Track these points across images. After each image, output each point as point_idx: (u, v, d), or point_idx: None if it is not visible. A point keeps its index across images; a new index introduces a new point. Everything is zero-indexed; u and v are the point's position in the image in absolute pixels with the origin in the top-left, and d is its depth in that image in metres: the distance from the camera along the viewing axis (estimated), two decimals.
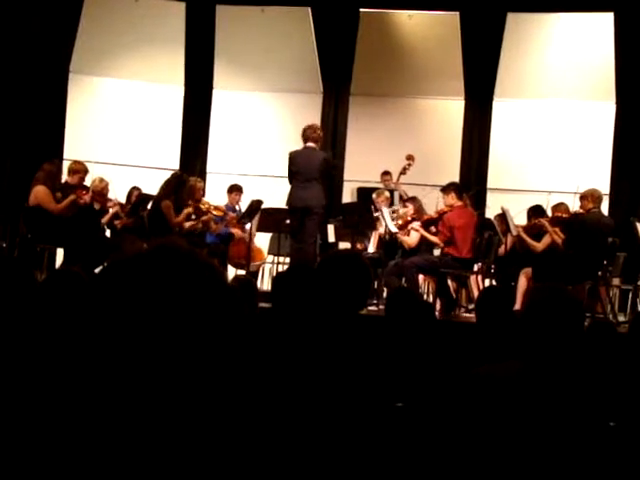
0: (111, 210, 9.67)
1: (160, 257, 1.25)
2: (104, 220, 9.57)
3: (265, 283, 10.70)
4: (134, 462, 1.20)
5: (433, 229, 9.32)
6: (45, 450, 1.25)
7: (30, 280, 3.29)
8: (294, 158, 8.87)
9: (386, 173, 10.80)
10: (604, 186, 10.76)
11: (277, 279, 3.85)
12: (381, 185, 10.73)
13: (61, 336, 2.95)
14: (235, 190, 10.54)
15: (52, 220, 8.76)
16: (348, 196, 11.56)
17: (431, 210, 9.81)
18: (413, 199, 9.96)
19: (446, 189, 9.24)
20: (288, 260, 9.81)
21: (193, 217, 9.54)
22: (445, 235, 9.00)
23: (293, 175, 8.86)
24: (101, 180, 9.65)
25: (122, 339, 1.21)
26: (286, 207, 9.03)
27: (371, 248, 10.14)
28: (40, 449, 1.25)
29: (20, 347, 2.82)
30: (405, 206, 9.89)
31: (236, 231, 10.19)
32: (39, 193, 8.76)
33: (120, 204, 9.84)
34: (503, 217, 9.45)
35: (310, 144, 8.87)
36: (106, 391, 1.22)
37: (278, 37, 12.02)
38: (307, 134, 8.89)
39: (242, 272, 9.81)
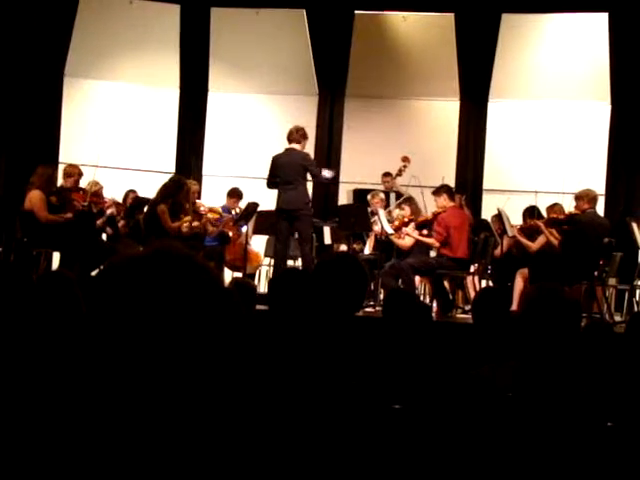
0: (108, 211, 9.63)
1: (156, 260, 1.24)
2: (99, 222, 9.53)
3: (262, 285, 10.69)
4: (128, 464, 1.20)
5: (425, 232, 9.31)
6: (35, 451, 1.25)
7: (28, 283, 3.29)
8: (276, 161, 8.97)
9: (387, 174, 10.79)
10: (600, 186, 10.76)
11: (273, 282, 3.86)
12: (381, 186, 10.73)
13: (52, 337, 2.95)
14: (235, 195, 10.53)
15: (48, 224, 8.75)
16: (344, 198, 11.56)
17: (427, 211, 9.82)
18: (409, 200, 9.96)
19: (437, 191, 9.26)
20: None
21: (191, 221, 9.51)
22: (442, 235, 8.99)
23: (276, 178, 8.93)
24: (96, 183, 9.68)
25: (120, 341, 1.21)
26: (275, 210, 9.08)
27: (367, 249, 10.14)
28: (31, 449, 1.25)
29: (14, 348, 2.82)
30: (401, 208, 9.89)
31: (230, 229, 10.14)
32: (33, 198, 8.75)
33: (117, 203, 9.83)
34: (499, 218, 9.45)
35: (293, 145, 8.96)
36: (103, 392, 1.22)
37: (273, 39, 12.02)
38: (289, 136, 9.00)
39: (239, 274, 9.81)
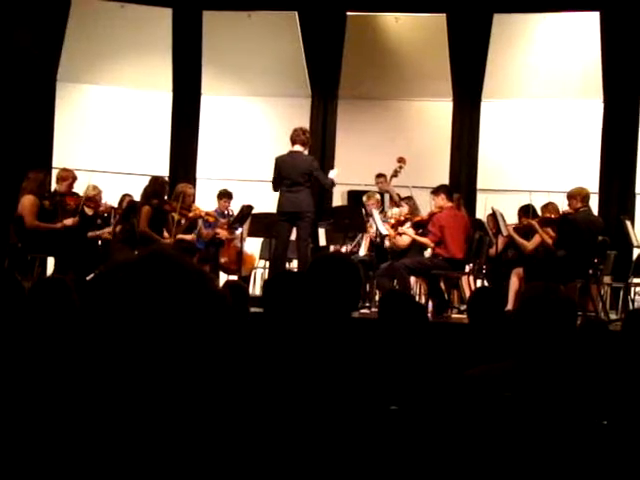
0: (102, 232, 9.59)
1: (150, 265, 1.24)
2: (89, 234, 9.45)
3: (257, 288, 10.69)
4: (122, 468, 1.20)
5: (420, 231, 9.32)
6: (33, 454, 1.24)
7: (18, 289, 3.28)
8: (280, 163, 8.87)
9: (380, 175, 10.78)
10: (593, 184, 10.79)
11: (268, 284, 3.85)
12: (375, 187, 10.73)
13: (48, 342, 2.94)
14: (225, 196, 10.54)
15: (35, 230, 8.72)
16: (338, 199, 11.56)
17: (421, 212, 9.82)
18: (408, 199, 9.97)
19: (436, 191, 9.26)
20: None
21: (183, 221, 9.51)
22: (436, 236, 9.00)
23: (280, 180, 8.85)
24: (94, 187, 9.69)
25: (114, 345, 1.21)
26: (276, 212, 9.02)
27: (362, 251, 10.14)
28: (28, 453, 1.25)
29: (8, 352, 2.82)
30: (399, 205, 9.91)
31: (223, 233, 10.13)
32: (24, 202, 8.75)
33: (113, 208, 9.81)
34: (494, 217, 9.46)
35: (297, 147, 8.87)
36: (99, 395, 1.22)
37: (265, 42, 12.02)
38: (294, 137, 8.89)
39: (234, 277, 9.79)
